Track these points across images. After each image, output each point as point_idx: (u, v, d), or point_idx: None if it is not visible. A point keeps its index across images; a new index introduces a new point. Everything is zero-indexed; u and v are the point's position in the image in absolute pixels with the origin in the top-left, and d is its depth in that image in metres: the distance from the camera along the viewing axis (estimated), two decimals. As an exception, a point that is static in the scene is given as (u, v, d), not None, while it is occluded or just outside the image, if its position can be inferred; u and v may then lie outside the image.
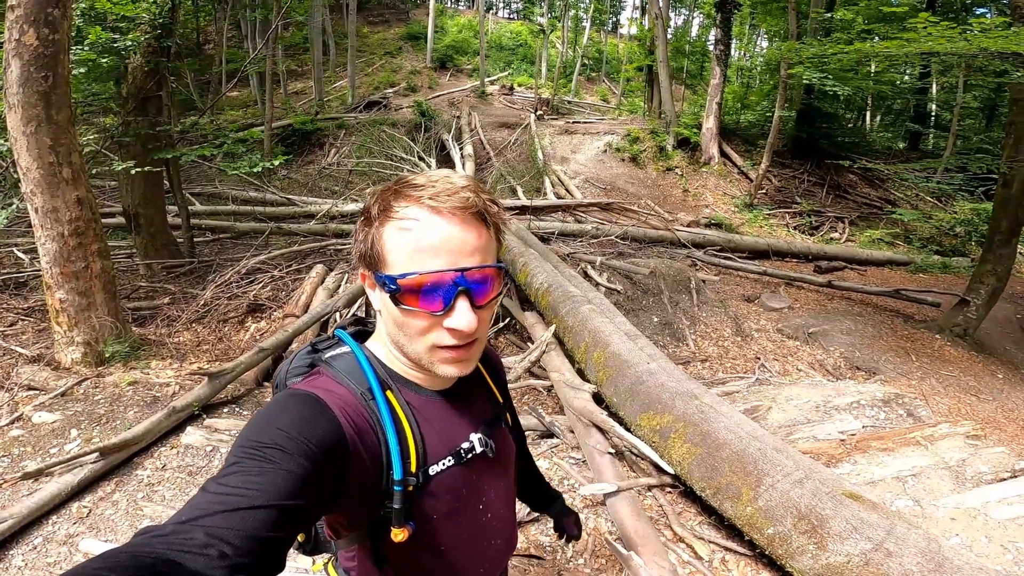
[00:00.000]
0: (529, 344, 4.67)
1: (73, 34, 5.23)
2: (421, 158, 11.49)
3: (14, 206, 5.10)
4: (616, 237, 8.30)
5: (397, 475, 0.71)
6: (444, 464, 0.78)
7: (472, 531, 0.84)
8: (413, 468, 0.73)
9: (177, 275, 6.77)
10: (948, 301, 6.94)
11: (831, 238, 11.18)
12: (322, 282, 6.31)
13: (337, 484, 0.66)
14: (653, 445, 2.81)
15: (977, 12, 13.81)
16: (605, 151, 13.32)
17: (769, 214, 11.79)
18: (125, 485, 2.88)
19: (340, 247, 7.36)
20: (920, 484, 2.92)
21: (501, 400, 0.97)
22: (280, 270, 6.71)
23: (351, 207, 8.95)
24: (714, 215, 11.30)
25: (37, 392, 3.83)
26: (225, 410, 3.49)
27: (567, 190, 11.13)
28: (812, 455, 3.07)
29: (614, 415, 3.21)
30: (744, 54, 24.95)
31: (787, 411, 3.71)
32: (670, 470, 2.70)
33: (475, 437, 0.83)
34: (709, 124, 13.31)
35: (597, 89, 24.26)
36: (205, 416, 3.35)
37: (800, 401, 3.87)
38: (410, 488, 0.73)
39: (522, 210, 8.79)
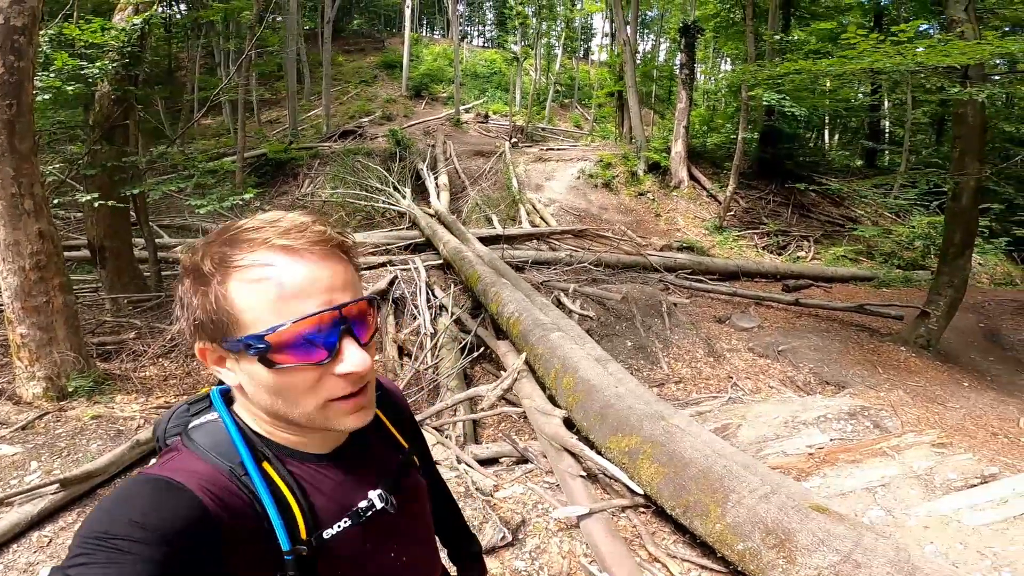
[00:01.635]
0: (503, 373, 4.69)
1: (40, 60, 5.21)
2: (396, 188, 11.53)
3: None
4: (590, 264, 8.43)
5: (285, 546, 0.65)
6: (339, 526, 0.71)
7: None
8: (303, 536, 0.67)
9: (144, 309, 6.59)
10: (910, 314, 7.20)
11: (797, 257, 11.51)
12: (290, 314, 6.22)
13: (213, 569, 0.60)
14: (623, 467, 2.84)
15: (921, 29, 14.62)
16: (579, 177, 13.57)
17: (738, 235, 12.11)
18: (87, 515, 2.76)
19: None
20: (890, 494, 2.98)
21: (406, 444, 0.89)
22: (251, 302, 6.56)
23: (322, 238, 8.86)
24: (685, 238, 11.57)
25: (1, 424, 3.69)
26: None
27: (542, 218, 11.27)
28: (781, 470, 3.12)
29: (585, 439, 3.24)
30: (709, 78, 25.82)
31: (757, 428, 3.78)
32: (639, 490, 2.72)
33: (374, 495, 0.76)
34: (678, 148, 13.69)
35: (570, 116, 24.74)
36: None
37: (769, 417, 3.94)
38: (304, 554, 0.67)
39: (496, 239, 8.86)
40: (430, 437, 3.71)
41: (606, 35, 26.72)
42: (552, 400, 3.66)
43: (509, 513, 2.87)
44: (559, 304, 6.39)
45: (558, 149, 15.81)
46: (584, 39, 34.41)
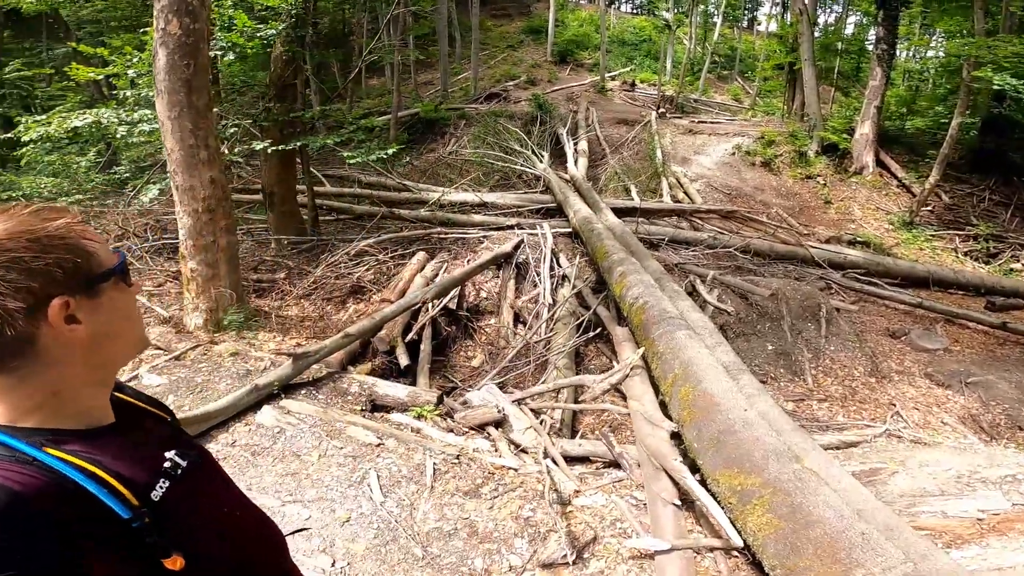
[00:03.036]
0: (615, 364, 4.32)
1: (224, 21, 5.77)
2: (534, 151, 11.41)
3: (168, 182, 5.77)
4: (736, 249, 7.50)
5: (125, 514, 0.67)
6: (162, 487, 0.74)
7: (236, 533, 0.85)
8: (135, 502, 0.68)
9: (299, 251, 7.26)
10: None
11: (1011, 269, 9.24)
12: (421, 269, 6.44)
13: (57, 550, 0.60)
14: (728, 507, 2.38)
15: None
16: (733, 153, 12.22)
17: (933, 235, 10.04)
18: None
19: (444, 235, 7.50)
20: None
21: (160, 412, 0.91)
22: (386, 254, 6.96)
23: (459, 196, 9.09)
24: (861, 232, 9.83)
25: (160, 352, 4.26)
26: (303, 392, 3.60)
27: (686, 193, 10.36)
28: (932, 533, 2.45)
29: (691, 462, 2.80)
30: (913, 55, 21.66)
31: (917, 478, 3.01)
32: (739, 541, 2.27)
33: (171, 455, 0.79)
34: (864, 129, 11.61)
35: (728, 88, 22.56)
36: (283, 396, 3.49)
37: (938, 467, 3.12)
38: (147, 520, 0.68)
39: (632, 211, 8.26)
40: (523, 420, 3.53)
41: (776, 4, 24.22)
42: (663, 407, 3.24)
43: (582, 526, 2.60)
44: (692, 292, 5.78)
45: (711, 122, 14.41)
46: (749, 8, 31.18)
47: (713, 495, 2.49)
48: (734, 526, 2.30)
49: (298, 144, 6.60)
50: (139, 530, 0.67)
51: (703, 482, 2.59)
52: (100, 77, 6.57)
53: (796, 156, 12.10)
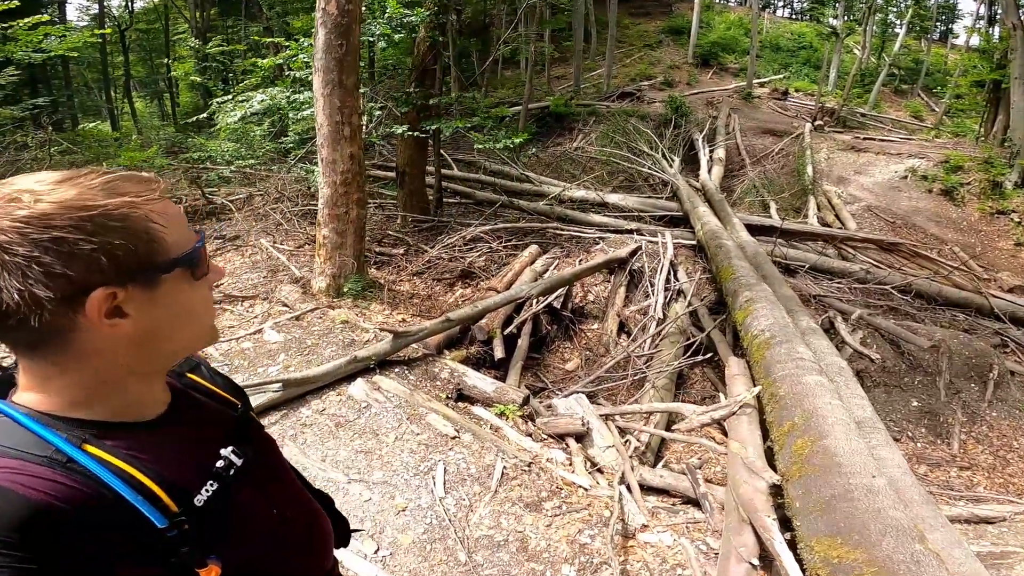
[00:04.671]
0: (719, 396, 3.92)
1: (376, 7, 6.11)
2: (664, 155, 10.84)
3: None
4: (893, 287, 6.48)
5: (161, 523, 0.61)
6: (207, 491, 0.68)
7: (283, 536, 0.79)
8: (174, 508, 0.63)
9: (420, 229, 7.59)
10: None
11: None
12: (532, 262, 6.40)
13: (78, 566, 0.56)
14: None
15: None
16: (905, 177, 10.62)
17: None
18: (287, 419, 3.20)
19: (559, 231, 7.43)
20: None
21: (237, 401, 0.84)
22: (499, 243, 7.04)
23: (580, 193, 8.91)
24: (1059, 284, 8.04)
25: (286, 309, 4.66)
26: (396, 370, 3.69)
27: (837, 217, 9.20)
28: None
29: (783, 518, 2.43)
30: None
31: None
32: None
33: (227, 452, 0.73)
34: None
35: (906, 104, 19.69)
36: (378, 371, 3.60)
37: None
38: (186, 527, 0.63)
39: (769, 230, 7.42)
40: (607, 437, 3.32)
41: (980, 18, 21.22)
42: (768, 455, 2.85)
43: (639, 565, 2.37)
44: (829, 329, 5.10)
45: (880, 140, 12.62)
46: (944, 19, 27.41)
47: (800, 562, 2.14)
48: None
49: (432, 128, 6.84)
50: (174, 539, 0.62)
51: (792, 544, 2.23)
52: (280, 62, 7.36)
53: (988, 186, 10.22)
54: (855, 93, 17.26)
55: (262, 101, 6.65)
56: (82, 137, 10.66)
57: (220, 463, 0.71)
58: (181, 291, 0.65)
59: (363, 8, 4.73)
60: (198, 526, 0.64)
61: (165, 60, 19.08)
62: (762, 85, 18.55)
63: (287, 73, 7.26)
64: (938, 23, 26.82)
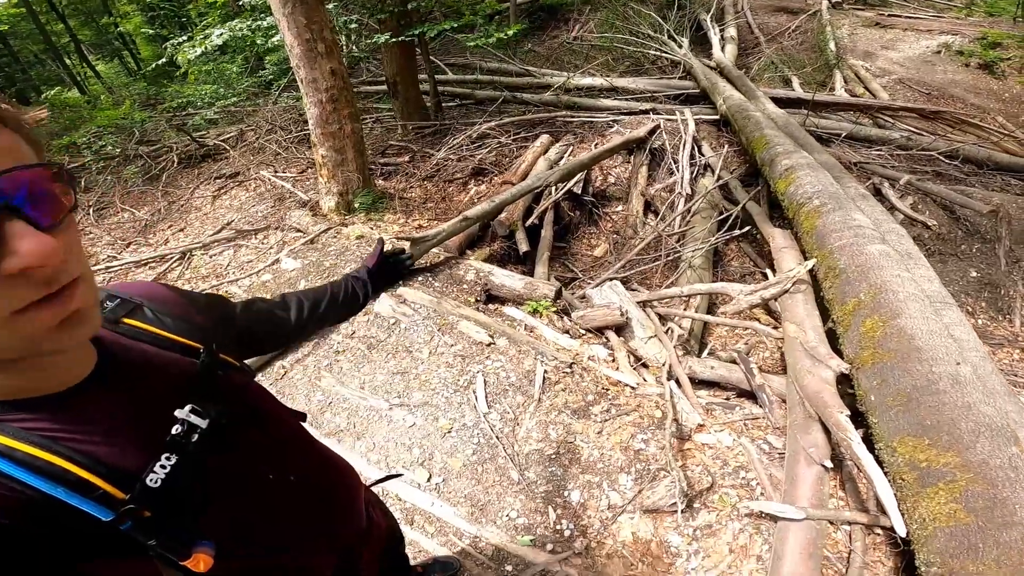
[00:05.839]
0: (766, 273, 3.66)
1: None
2: (671, 36, 9.97)
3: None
4: (939, 152, 5.92)
5: (105, 516, 0.50)
6: (164, 467, 0.55)
7: (288, 498, 0.67)
8: (120, 496, 0.52)
9: (423, 135, 7.27)
10: None
11: None
12: (545, 152, 6.12)
13: None
14: (899, 484, 1.84)
15: None
16: (938, 52, 9.61)
17: None
18: (319, 348, 3.07)
19: (569, 119, 7.01)
20: None
21: (199, 345, 0.67)
22: (507, 136, 6.72)
23: (586, 80, 8.38)
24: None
25: (299, 235, 4.46)
26: (419, 279, 3.49)
27: (867, 89, 8.43)
28: None
29: (857, 414, 2.20)
30: None
31: None
32: (902, 530, 1.75)
33: (183, 413, 0.59)
34: None
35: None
36: (401, 282, 3.41)
37: None
38: (145, 515, 0.52)
39: (796, 103, 6.88)
40: (648, 326, 3.13)
41: None
42: (831, 338, 2.63)
43: (699, 470, 2.24)
44: (876, 195, 4.74)
45: (907, 16, 11.35)
46: None
47: (880, 464, 1.95)
48: (900, 519, 1.78)
49: (416, 33, 6.30)
50: (133, 531, 0.51)
51: (872, 448, 2.03)
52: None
53: (1030, 63, 9.15)
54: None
55: (221, 35, 6.25)
56: (51, 105, 10.19)
57: (177, 428, 0.58)
58: None
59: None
60: (163, 512, 0.53)
61: (108, 18, 18.07)
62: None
63: (242, 1, 6.82)
64: None
